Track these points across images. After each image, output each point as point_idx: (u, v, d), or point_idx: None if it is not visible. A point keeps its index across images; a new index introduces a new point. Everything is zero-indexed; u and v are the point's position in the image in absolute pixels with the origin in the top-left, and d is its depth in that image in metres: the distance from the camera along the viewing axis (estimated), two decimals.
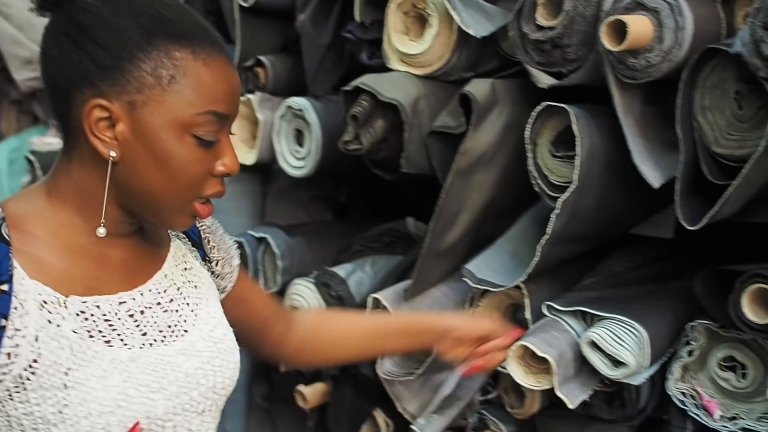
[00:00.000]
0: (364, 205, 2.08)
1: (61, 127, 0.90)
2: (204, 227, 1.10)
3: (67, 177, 0.90)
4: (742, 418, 1.23)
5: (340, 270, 1.67)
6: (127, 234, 0.94)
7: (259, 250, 1.77)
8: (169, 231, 1.03)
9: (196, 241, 1.08)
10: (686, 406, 1.27)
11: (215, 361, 0.98)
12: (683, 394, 1.28)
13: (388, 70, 1.52)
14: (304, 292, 1.68)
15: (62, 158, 0.91)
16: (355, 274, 1.66)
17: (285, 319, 1.25)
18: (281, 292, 1.75)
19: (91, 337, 0.87)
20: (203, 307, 1.00)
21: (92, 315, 0.87)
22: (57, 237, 0.89)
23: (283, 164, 1.73)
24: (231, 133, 0.93)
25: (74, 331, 0.85)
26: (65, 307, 0.85)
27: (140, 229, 0.97)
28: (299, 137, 1.70)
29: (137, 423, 0.87)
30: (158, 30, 0.85)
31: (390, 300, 1.46)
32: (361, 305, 1.54)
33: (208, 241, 1.10)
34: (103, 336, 0.88)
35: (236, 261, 1.15)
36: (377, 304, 1.48)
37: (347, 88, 1.49)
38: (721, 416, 1.24)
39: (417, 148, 1.44)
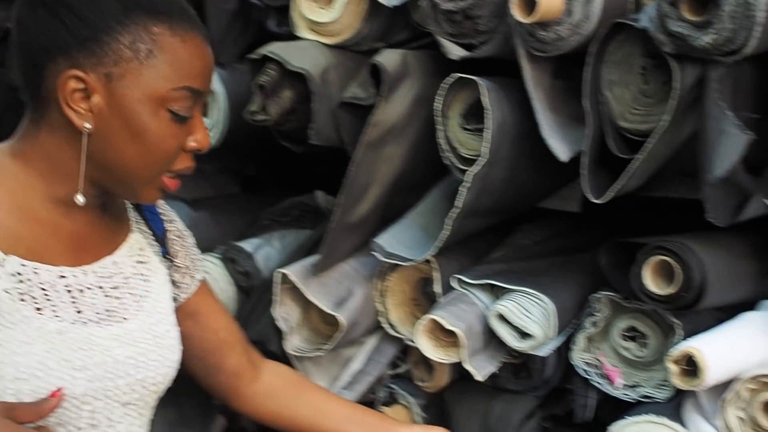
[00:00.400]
0: (273, 178, 2.04)
1: (30, 96, 0.90)
2: (173, 229, 1.11)
3: (34, 143, 0.90)
4: (642, 386, 1.26)
5: (247, 245, 1.63)
6: (86, 208, 0.93)
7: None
8: (131, 222, 1.03)
9: (159, 236, 1.07)
10: (590, 376, 1.30)
11: (151, 354, 0.96)
12: (587, 364, 1.31)
13: (297, 38, 1.48)
14: (210, 267, 1.63)
15: (30, 125, 0.91)
16: (262, 249, 1.63)
17: (246, 354, 1.19)
18: None
19: (23, 300, 0.85)
20: (150, 301, 0.99)
21: (29, 280, 0.86)
22: (12, 196, 0.88)
23: None
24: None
25: (6, 291, 0.84)
26: (2, 265, 0.84)
27: (102, 209, 0.97)
28: (204, 107, 1.64)
29: (59, 389, 0.85)
30: (136, 4, 0.86)
31: (298, 275, 1.43)
32: (269, 281, 1.51)
33: (173, 244, 1.10)
34: (36, 303, 0.86)
35: (199, 276, 1.14)
36: (284, 280, 1.45)
37: (254, 56, 1.44)
38: (623, 384, 1.28)
39: (326, 119, 1.41)
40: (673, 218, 1.33)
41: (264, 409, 1.20)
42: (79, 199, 0.89)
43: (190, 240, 1.15)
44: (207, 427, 1.86)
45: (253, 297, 1.60)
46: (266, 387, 1.20)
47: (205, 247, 1.67)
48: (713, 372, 1.06)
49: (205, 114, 1.63)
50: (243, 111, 1.46)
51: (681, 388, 1.10)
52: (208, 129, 1.61)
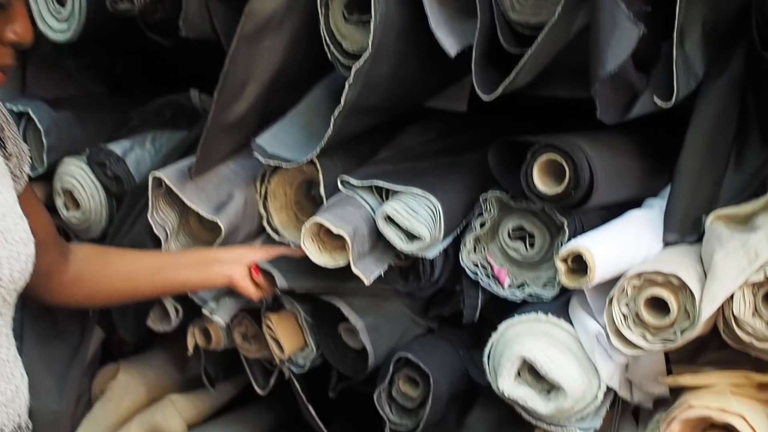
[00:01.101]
0: (143, 76, 1.89)
1: None
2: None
3: None
4: (529, 286, 1.26)
5: (117, 147, 1.51)
6: None
7: (20, 126, 1.56)
8: None
9: None
10: (478, 277, 1.29)
11: (2, 251, 0.89)
12: (475, 265, 1.29)
13: None
14: (77, 173, 1.52)
15: None
16: (133, 152, 1.51)
17: (59, 249, 1.14)
18: (50, 175, 1.57)
19: None
20: None
21: None
22: None
23: (43, 27, 1.50)
24: None
25: None
26: None
27: None
28: None
29: None
30: None
31: (173, 179, 1.34)
32: (143, 186, 1.41)
33: (2, 129, 1.00)
34: None
35: (27, 168, 1.05)
36: (159, 183, 1.35)
37: None
38: (510, 285, 1.27)
39: (197, 9, 1.30)
40: (560, 118, 1.31)
41: (77, 297, 1.19)
42: None
43: (15, 128, 1.05)
44: (84, 339, 1.78)
45: (126, 203, 1.50)
46: (72, 274, 1.16)
47: (69, 151, 1.56)
48: (601, 270, 1.06)
49: (62, 3, 1.47)
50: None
51: (569, 286, 1.10)
52: (64, 20, 1.47)
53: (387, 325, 1.38)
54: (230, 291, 1.39)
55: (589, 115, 1.09)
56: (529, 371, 1.18)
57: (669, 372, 1.21)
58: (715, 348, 1.20)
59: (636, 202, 1.24)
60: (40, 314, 1.79)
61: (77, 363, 1.75)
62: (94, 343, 1.80)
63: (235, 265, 1.25)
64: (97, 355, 1.84)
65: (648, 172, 1.27)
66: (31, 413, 1.72)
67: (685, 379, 1.14)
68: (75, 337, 1.77)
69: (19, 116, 1.56)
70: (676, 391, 1.19)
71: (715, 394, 1.10)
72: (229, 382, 1.80)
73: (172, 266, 1.20)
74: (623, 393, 1.21)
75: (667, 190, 1.26)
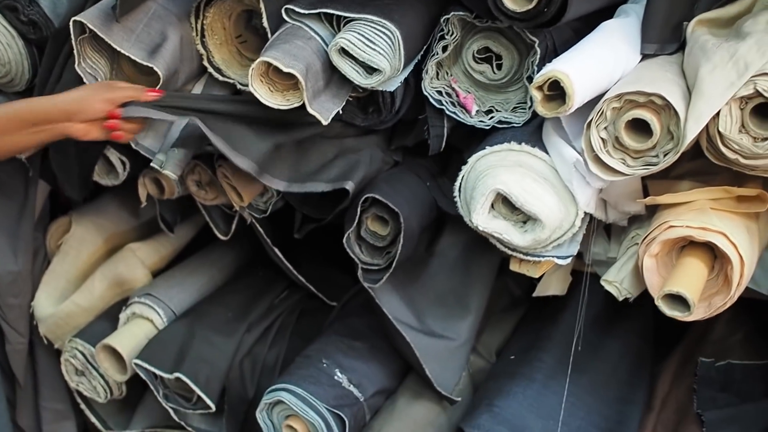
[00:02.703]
0: None
1: None
2: None
3: None
4: (498, 111, 1.18)
5: None
6: None
7: None
8: None
9: None
10: (442, 105, 1.20)
11: None
12: (439, 92, 1.20)
13: None
14: None
15: None
16: None
17: None
18: None
19: None
20: None
21: None
22: None
23: None
24: None
25: None
26: None
27: None
28: None
29: None
30: None
31: (97, 22, 1.19)
32: (64, 31, 1.25)
33: None
34: None
35: None
36: (82, 29, 1.20)
37: None
38: (478, 111, 1.19)
39: None
40: None
41: None
42: None
43: None
44: (28, 194, 1.68)
45: (51, 51, 1.35)
46: None
47: None
48: (580, 95, 0.98)
49: None
50: None
51: (546, 116, 1.02)
52: None
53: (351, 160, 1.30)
54: (177, 141, 1.28)
55: None
56: (503, 203, 1.13)
57: (644, 187, 1.17)
58: (689, 158, 1.15)
59: (611, 8, 1.14)
60: None
61: (26, 219, 1.67)
62: (41, 195, 1.71)
63: (70, 125, 1.14)
64: (46, 209, 1.75)
65: None
66: None
67: (664, 198, 1.10)
68: (19, 193, 1.67)
69: None
70: (652, 207, 1.16)
71: (695, 211, 1.07)
72: (188, 223, 1.73)
73: (5, 130, 1.11)
74: (598, 214, 1.18)
75: None
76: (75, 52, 1.22)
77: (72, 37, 1.20)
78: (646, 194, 1.17)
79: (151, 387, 1.49)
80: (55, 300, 1.70)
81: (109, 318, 1.63)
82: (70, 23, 1.19)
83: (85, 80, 1.25)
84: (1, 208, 1.66)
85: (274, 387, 1.33)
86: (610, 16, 1.14)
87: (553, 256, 1.15)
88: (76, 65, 1.23)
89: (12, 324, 1.70)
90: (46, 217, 1.75)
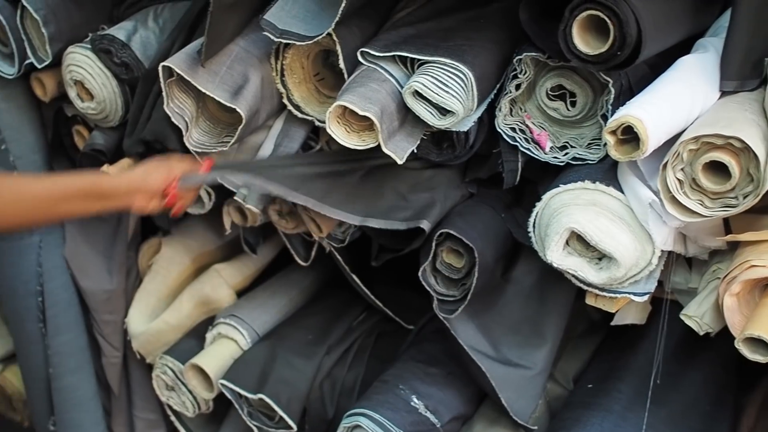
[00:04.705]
0: None
1: None
2: None
3: None
4: (573, 147, 1.18)
5: (119, 32, 1.40)
6: None
7: (17, 17, 1.45)
8: None
9: None
10: (517, 141, 1.21)
11: None
12: (512, 129, 1.21)
13: None
14: (84, 62, 1.43)
15: None
16: (137, 34, 1.41)
17: None
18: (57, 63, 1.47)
19: None
20: None
21: None
22: None
23: None
24: None
25: None
26: None
27: None
28: None
29: None
30: None
31: (183, 66, 1.24)
32: (154, 72, 1.31)
33: None
34: None
35: None
36: (170, 73, 1.26)
37: None
38: (552, 147, 1.19)
39: None
40: None
41: None
42: None
43: None
44: (122, 216, 1.76)
45: (142, 91, 1.42)
46: None
47: (71, 38, 1.45)
48: (654, 140, 0.97)
49: None
50: None
51: (620, 160, 1.01)
52: None
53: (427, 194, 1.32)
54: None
55: None
56: (578, 240, 1.13)
57: (725, 219, 1.15)
58: None
59: (688, 41, 1.13)
60: None
61: (120, 240, 1.76)
62: (134, 217, 1.79)
63: (132, 200, 1.18)
64: (137, 230, 1.83)
65: (699, 5, 1.14)
66: (86, 295, 1.77)
67: (746, 236, 1.08)
68: (113, 216, 1.76)
69: (12, 6, 1.44)
70: (735, 241, 1.14)
71: None
72: (269, 243, 1.79)
73: (63, 198, 1.13)
74: (677, 248, 1.16)
75: (720, 23, 1.14)
76: (164, 93, 1.28)
77: (161, 79, 1.27)
78: (727, 227, 1.15)
79: (236, 405, 1.55)
80: (147, 317, 1.78)
81: (197, 336, 1.71)
82: (159, 68, 1.26)
83: (173, 119, 1.31)
84: (97, 230, 1.76)
85: (352, 411, 1.37)
86: (688, 48, 1.13)
87: (629, 293, 1.15)
88: (165, 106, 1.29)
89: (107, 339, 1.80)
90: (137, 237, 1.84)
